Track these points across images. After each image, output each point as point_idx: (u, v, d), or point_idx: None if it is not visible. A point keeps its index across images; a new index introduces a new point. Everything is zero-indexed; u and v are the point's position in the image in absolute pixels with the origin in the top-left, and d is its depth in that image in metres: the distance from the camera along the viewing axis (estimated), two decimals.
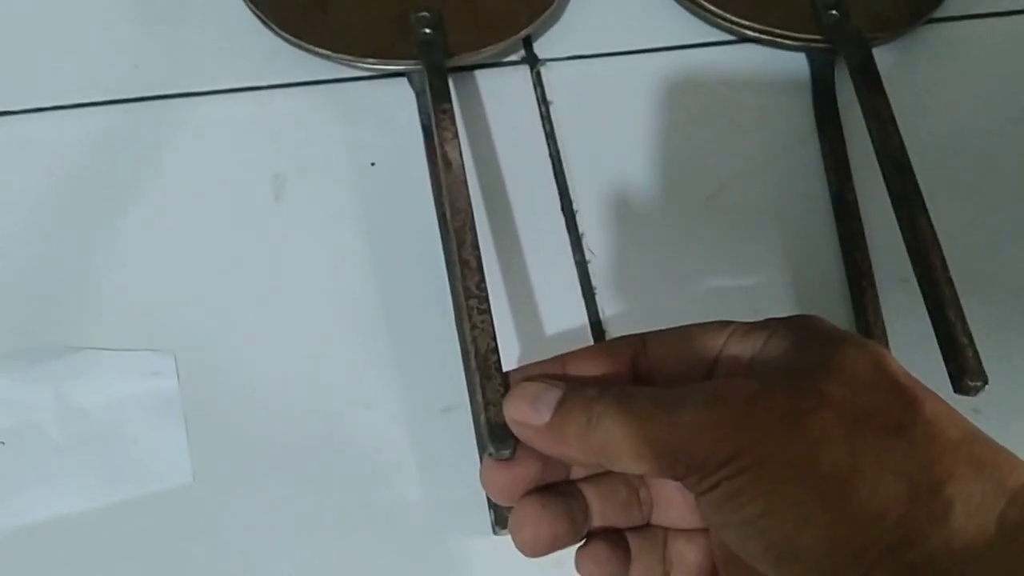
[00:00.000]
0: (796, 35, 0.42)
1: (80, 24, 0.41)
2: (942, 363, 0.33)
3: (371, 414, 0.34)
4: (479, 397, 0.29)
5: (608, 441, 0.24)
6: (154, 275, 0.36)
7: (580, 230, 0.38)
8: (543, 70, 0.41)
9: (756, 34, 0.42)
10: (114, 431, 0.32)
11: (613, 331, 0.36)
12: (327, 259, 0.37)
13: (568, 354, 0.28)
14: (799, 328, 0.26)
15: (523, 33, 0.41)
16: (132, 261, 0.36)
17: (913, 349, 0.34)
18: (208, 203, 0.37)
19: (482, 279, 0.30)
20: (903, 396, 0.24)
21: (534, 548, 0.26)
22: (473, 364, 0.29)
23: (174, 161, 0.38)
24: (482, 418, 0.27)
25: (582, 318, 0.37)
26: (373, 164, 0.39)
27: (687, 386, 0.24)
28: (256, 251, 0.37)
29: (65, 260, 0.36)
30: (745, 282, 0.38)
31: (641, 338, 0.28)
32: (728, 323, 0.27)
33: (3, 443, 0.32)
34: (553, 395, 0.25)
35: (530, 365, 0.28)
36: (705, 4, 0.42)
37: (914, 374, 0.31)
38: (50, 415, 0.32)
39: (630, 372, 0.28)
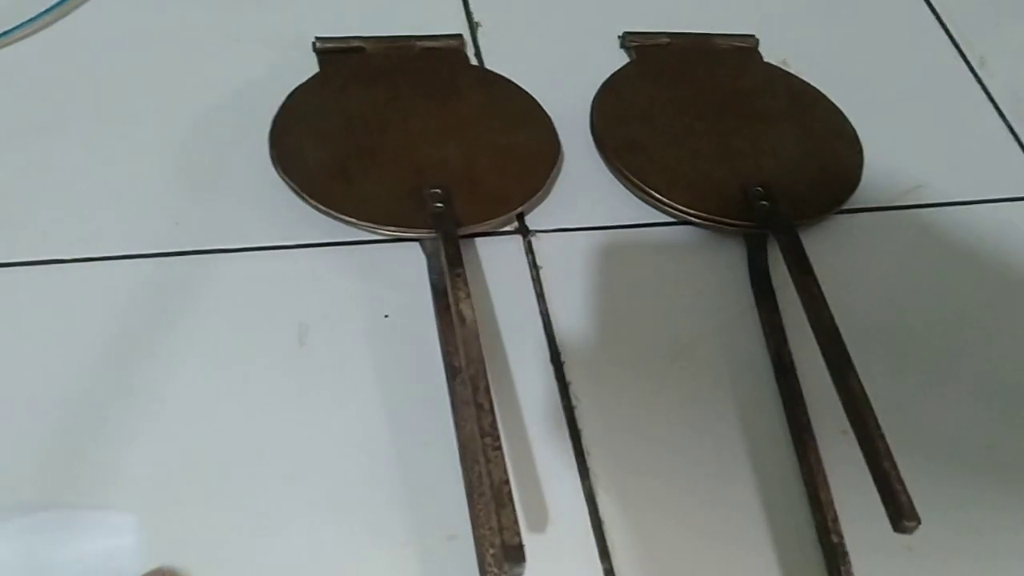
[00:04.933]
0: (732, 221, 0.49)
1: (128, 184, 0.46)
2: (879, 504, 0.38)
3: (383, 540, 0.38)
4: (491, 523, 0.33)
5: None
6: (189, 417, 0.40)
7: (567, 379, 0.44)
8: (533, 240, 0.48)
9: (697, 220, 0.49)
10: None
11: (597, 470, 0.42)
12: (345, 398, 0.42)
13: None
14: None
15: (518, 209, 0.48)
16: (172, 398, 0.40)
17: (853, 493, 0.40)
18: (239, 346, 0.42)
19: (494, 419, 0.35)
20: None
21: None
22: (488, 494, 0.33)
23: (209, 309, 0.43)
24: (497, 541, 0.32)
25: (570, 457, 0.42)
26: (387, 316, 0.44)
27: None
28: (281, 390, 0.41)
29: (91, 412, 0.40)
30: (704, 429, 0.44)
31: None
32: None
33: None
34: None
35: None
36: (654, 194, 0.50)
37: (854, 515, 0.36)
38: (18, 571, 0.35)
39: None
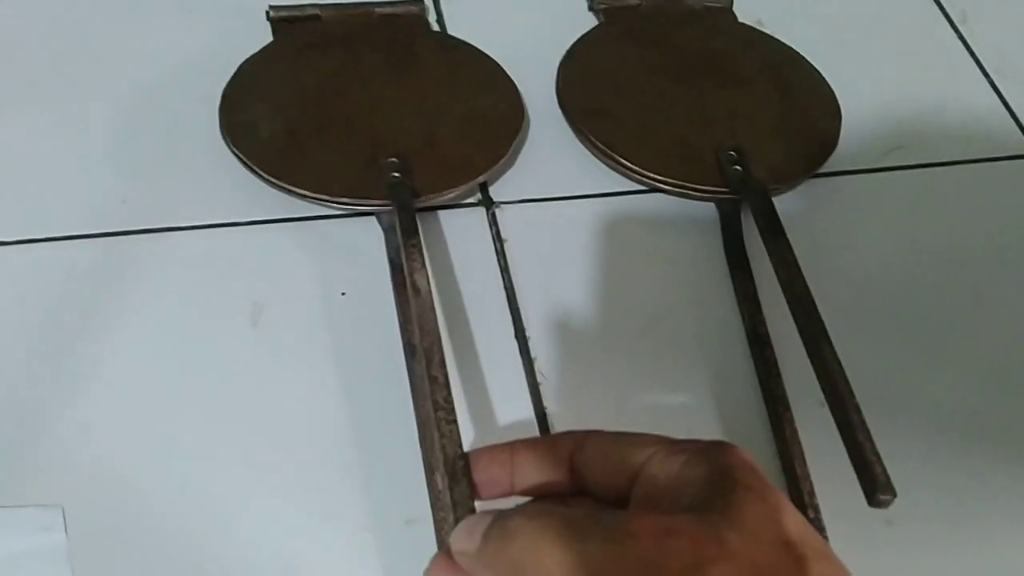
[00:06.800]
0: (704, 188, 0.47)
1: (71, 160, 0.45)
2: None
3: (340, 525, 0.37)
4: (446, 500, 0.31)
5: (523, 561, 0.26)
6: (136, 402, 0.38)
7: (532, 355, 0.42)
8: (498, 211, 0.46)
9: (668, 187, 0.47)
10: None
11: None
12: (299, 379, 0.40)
13: (516, 442, 0.31)
14: (714, 462, 0.28)
15: (480, 179, 0.46)
16: (118, 384, 0.39)
17: (830, 466, 0.38)
18: (189, 328, 0.40)
19: (449, 393, 0.34)
20: (793, 555, 0.25)
21: None
22: (442, 469, 0.32)
23: (158, 290, 0.41)
24: (451, 517, 0.30)
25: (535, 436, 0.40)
26: (343, 294, 0.42)
27: (601, 514, 0.27)
28: (234, 372, 0.40)
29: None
30: (676, 405, 0.42)
31: (583, 436, 0.31)
32: (657, 440, 0.29)
33: None
34: (484, 522, 0.27)
35: (482, 449, 0.31)
36: (623, 161, 0.47)
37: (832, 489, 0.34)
38: None
39: (568, 467, 0.30)
